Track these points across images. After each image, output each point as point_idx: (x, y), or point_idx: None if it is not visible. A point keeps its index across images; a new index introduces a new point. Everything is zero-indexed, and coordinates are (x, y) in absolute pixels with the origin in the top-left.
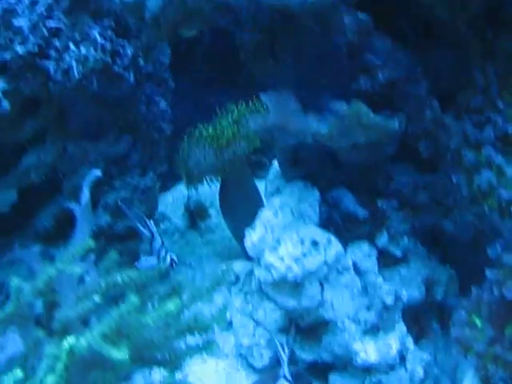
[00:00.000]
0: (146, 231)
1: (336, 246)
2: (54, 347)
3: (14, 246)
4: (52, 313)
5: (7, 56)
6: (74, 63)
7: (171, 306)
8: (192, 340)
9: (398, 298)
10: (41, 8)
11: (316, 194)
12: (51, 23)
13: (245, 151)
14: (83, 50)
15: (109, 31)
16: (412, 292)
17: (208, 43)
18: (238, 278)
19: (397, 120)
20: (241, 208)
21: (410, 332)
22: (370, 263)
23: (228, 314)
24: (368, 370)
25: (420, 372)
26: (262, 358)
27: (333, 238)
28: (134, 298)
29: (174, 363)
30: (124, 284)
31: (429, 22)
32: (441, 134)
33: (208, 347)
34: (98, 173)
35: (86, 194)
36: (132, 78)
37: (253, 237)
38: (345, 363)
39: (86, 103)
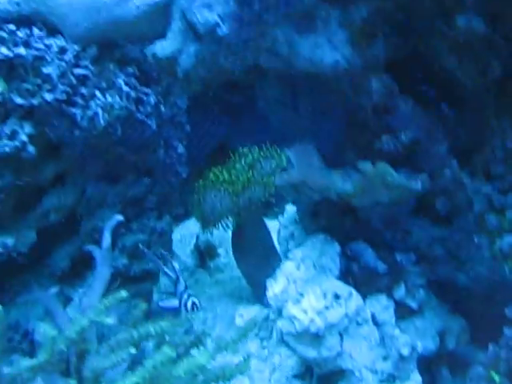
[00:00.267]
0: (170, 273)
1: (356, 299)
2: None
3: (30, 285)
4: (83, 361)
5: (35, 102)
6: (99, 111)
7: (202, 358)
8: None
9: (413, 348)
10: (69, 56)
11: (336, 247)
12: (79, 71)
13: (260, 197)
14: (109, 98)
15: (132, 79)
16: (427, 343)
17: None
18: (254, 324)
19: (420, 181)
20: (253, 252)
21: (424, 381)
22: (387, 315)
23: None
24: None
25: None
26: None
27: (353, 291)
28: (167, 350)
29: None
30: (156, 334)
31: (450, 85)
32: (458, 191)
33: None
34: (119, 217)
35: (107, 239)
36: (154, 125)
37: (275, 288)
38: None
39: (107, 147)
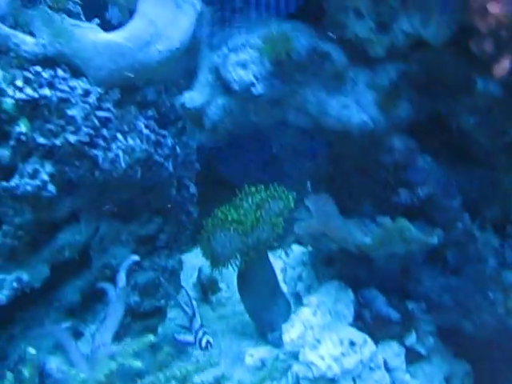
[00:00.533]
0: (188, 309)
1: (371, 346)
2: None
3: (41, 318)
4: None
5: (57, 142)
6: (120, 153)
7: None
8: None
9: None
10: (93, 98)
11: (350, 294)
12: (101, 113)
13: (269, 237)
14: (130, 141)
15: (152, 121)
16: None
17: None
18: (263, 364)
19: (436, 236)
20: (259, 290)
21: None
22: (398, 361)
23: None
24: None
25: None
26: None
27: (368, 339)
28: None
29: None
30: (181, 377)
31: (466, 144)
32: (469, 243)
33: None
34: (135, 258)
35: (122, 278)
36: (171, 167)
37: (291, 333)
38: None
39: (123, 187)
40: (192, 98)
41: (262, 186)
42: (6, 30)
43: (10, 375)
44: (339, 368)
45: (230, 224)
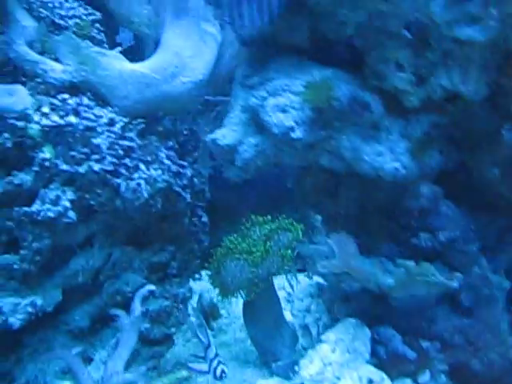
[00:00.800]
0: (203, 338)
1: None
2: None
3: (49, 342)
4: None
5: (81, 170)
6: (142, 183)
7: None
8: None
9: None
10: (117, 127)
11: (367, 331)
12: (125, 143)
13: (279, 268)
14: (152, 172)
15: (172, 152)
16: None
17: None
18: None
19: (457, 280)
20: (264, 320)
21: None
22: None
23: None
24: None
25: None
26: None
27: (385, 376)
28: None
29: None
30: None
31: (488, 192)
32: (483, 286)
33: None
34: (151, 287)
35: (137, 307)
36: (188, 197)
37: (310, 369)
38: None
39: (141, 216)
40: (224, 135)
41: (269, 217)
42: (35, 56)
43: None
44: None
45: (239, 254)
